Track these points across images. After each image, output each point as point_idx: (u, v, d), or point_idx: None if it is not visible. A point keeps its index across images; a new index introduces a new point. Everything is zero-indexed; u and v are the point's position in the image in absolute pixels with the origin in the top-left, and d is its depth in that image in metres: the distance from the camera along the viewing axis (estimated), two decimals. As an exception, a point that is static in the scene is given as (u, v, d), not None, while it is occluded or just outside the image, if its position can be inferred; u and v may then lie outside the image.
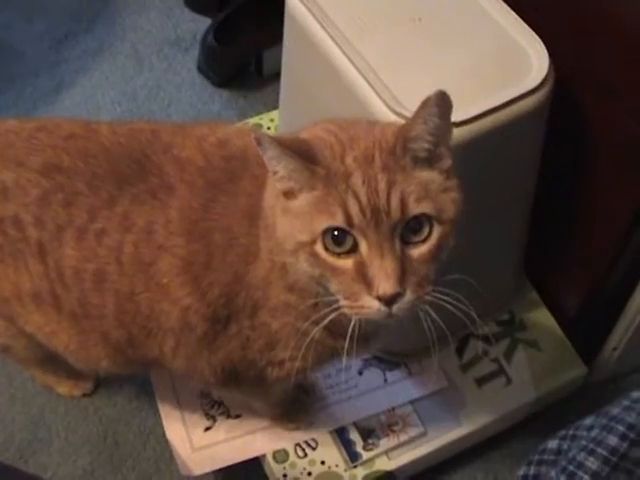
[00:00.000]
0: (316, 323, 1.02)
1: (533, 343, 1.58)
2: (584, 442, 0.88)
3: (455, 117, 1.16)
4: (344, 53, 1.27)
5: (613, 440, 0.86)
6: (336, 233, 0.92)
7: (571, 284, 1.55)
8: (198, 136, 1.15)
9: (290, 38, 1.44)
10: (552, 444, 0.95)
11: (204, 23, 2.10)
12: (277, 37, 1.52)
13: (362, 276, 0.92)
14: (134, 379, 1.54)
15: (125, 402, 1.60)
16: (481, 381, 1.54)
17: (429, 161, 0.95)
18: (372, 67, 1.25)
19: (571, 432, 0.94)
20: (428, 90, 1.21)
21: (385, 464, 1.45)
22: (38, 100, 2.02)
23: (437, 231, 0.95)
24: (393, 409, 1.50)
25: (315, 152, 0.94)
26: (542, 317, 1.60)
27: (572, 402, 1.58)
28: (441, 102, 0.93)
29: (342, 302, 0.95)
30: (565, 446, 0.93)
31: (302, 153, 0.93)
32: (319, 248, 0.93)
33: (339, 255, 0.93)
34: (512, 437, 1.57)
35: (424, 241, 0.94)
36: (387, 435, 1.47)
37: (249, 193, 1.08)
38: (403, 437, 1.47)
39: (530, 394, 1.52)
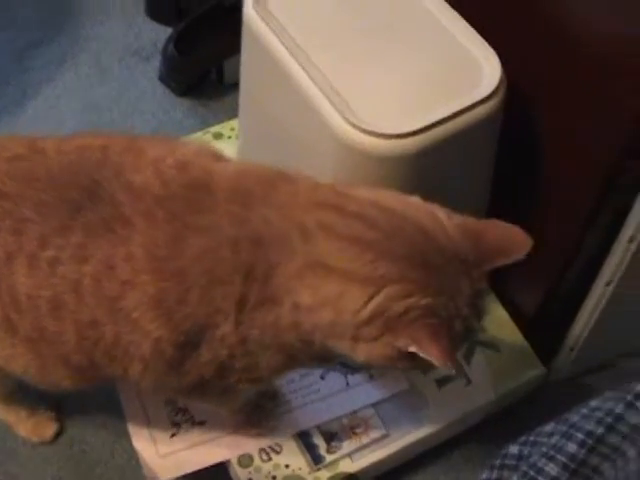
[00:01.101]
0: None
1: (492, 345, 1.61)
2: (544, 448, 0.91)
3: (407, 127, 1.21)
4: (300, 64, 1.29)
5: (572, 447, 0.89)
6: None
7: (528, 285, 1.58)
8: (153, 158, 1.13)
9: (247, 49, 1.47)
10: (513, 449, 0.97)
11: (165, 32, 2.12)
12: (237, 46, 1.53)
13: None
14: (101, 388, 1.56)
15: (92, 410, 1.61)
16: (441, 382, 1.56)
17: None
18: (327, 78, 1.28)
19: (532, 438, 0.96)
20: (382, 100, 1.25)
21: (348, 466, 1.47)
22: (1, 111, 2.02)
23: None
24: (355, 412, 1.52)
25: None
26: (500, 319, 1.63)
27: (532, 402, 1.61)
28: None
29: None
30: (526, 452, 0.95)
31: None
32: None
33: None
34: (473, 438, 1.60)
35: None
36: (350, 438, 1.49)
37: (234, 239, 1.07)
38: (365, 439, 1.49)
39: (489, 394, 1.55)
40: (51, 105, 2.06)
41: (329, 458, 1.48)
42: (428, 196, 1.18)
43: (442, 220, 1.07)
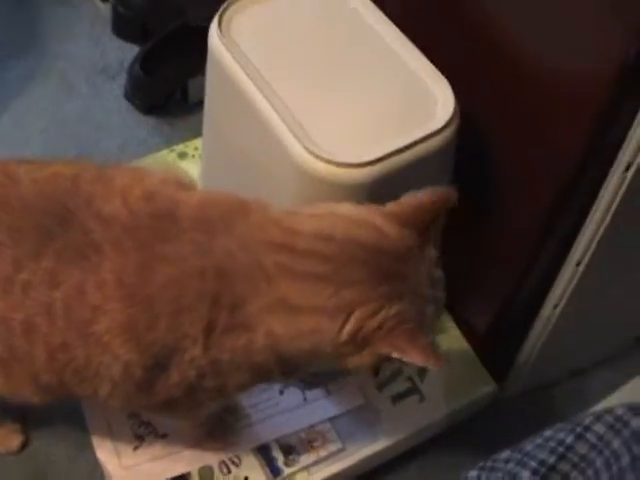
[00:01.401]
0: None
1: (445, 362, 1.66)
2: (500, 474, 0.97)
3: (364, 156, 1.26)
4: (262, 93, 1.34)
5: (526, 474, 0.94)
6: None
7: (480, 305, 1.64)
8: (121, 188, 1.16)
9: (212, 76, 1.51)
10: (472, 474, 1.02)
11: (131, 51, 2.16)
12: (202, 66, 1.57)
13: None
14: (66, 402, 1.59)
15: (57, 422, 1.64)
16: (396, 398, 1.62)
17: None
18: (289, 107, 1.32)
19: (489, 464, 1.02)
20: (340, 130, 1.30)
21: (306, 479, 1.52)
22: (-31, 129, 2.05)
23: None
24: (313, 426, 1.57)
25: None
26: (453, 337, 1.69)
27: (486, 416, 1.68)
28: None
29: None
30: (484, 477, 1.01)
31: None
32: None
33: None
34: (429, 451, 1.65)
35: None
36: (307, 451, 1.54)
37: (198, 269, 1.12)
38: (323, 452, 1.54)
39: (442, 410, 1.61)
40: (18, 121, 2.09)
41: (287, 471, 1.52)
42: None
43: (379, 224, 1.12)
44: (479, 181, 1.45)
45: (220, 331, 1.12)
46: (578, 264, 1.38)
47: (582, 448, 0.91)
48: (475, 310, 1.67)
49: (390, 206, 1.15)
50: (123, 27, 2.26)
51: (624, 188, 1.24)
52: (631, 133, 1.18)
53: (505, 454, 0.98)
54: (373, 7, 1.46)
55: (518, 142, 1.35)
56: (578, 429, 0.93)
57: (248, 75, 1.37)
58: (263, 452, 1.54)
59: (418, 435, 1.60)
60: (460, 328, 1.69)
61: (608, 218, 1.29)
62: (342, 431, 1.57)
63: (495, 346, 1.64)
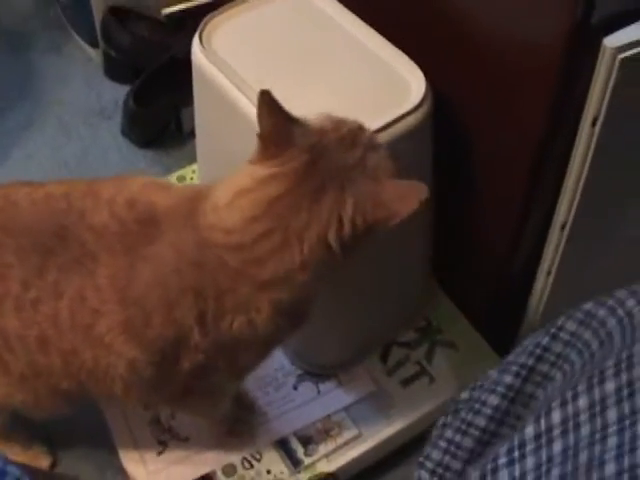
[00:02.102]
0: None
1: (450, 344, 1.72)
2: (487, 384, 1.02)
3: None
4: (246, 96, 1.39)
5: (508, 378, 1.00)
6: None
7: (477, 283, 1.69)
8: (106, 199, 1.23)
9: (198, 89, 1.58)
10: (465, 394, 1.08)
11: (124, 91, 2.23)
12: (192, 97, 1.64)
13: None
14: (89, 416, 1.65)
15: (82, 438, 1.69)
16: (406, 382, 1.68)
17: None
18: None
19: (479, 383, 1.07)
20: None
21: (326, 467, 1.57)
22: (-28, 175, 2.12)
23: None
24: (328, 416, 1.62)
25: None
26: (456, 319, 1.75)
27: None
28: None
29: None
30: (475, 394, 1.06)
31: None
32: None
33: None
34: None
35: None
36: (325, 440, 1.60)
37: (175, 266, 1.18)
38: (340, 440, 1.60)
39: (452, 390, 1.65)
40: (21, 167, 2.16)
41: (307, 461, 1.58)
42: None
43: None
44: (459, 159, 1.52)
45: (212, 318, 1.19)
46: (563, 227, 1.44)
47: (557, 347, 0.97)
48: (473, 289, 1.72)
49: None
50: (114, 69, 2.34)
51: (594, 143, 1.30)
52: (592, 88, 1.24)
53: (492, 370, 1.04)
54: (340, 7, 1.55)
55: (489, 114, 1.42)
56: (552, 330, 0.98)
57: (231, 81, 1.43)
58: (282, 445, 1.60)
59: (430, 415, 1.64)
60: (460, 308, 1.75)
61: (584, 175, 1.34)
62: (357, 418, 1.63)
63: (497, 322, 1.69)
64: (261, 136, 1.15)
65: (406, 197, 1.10)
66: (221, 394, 1.42)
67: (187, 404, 1.44)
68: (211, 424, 1.57)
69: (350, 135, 1.16)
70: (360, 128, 1.19)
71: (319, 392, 1.66)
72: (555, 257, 1.49)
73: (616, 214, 1.49)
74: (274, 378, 1.68)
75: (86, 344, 1.22)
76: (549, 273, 1.52)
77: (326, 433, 1.61)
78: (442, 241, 1.68)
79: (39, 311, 1.21)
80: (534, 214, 1.47)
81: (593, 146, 1.30)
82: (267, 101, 1.12)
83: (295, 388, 1.67)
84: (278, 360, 1.68)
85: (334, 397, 1.66)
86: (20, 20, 2.56)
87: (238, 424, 1.59)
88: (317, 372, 1.69)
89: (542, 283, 1.54)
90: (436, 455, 1.02)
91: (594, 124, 1.28)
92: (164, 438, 1.61)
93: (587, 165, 1.33)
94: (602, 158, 1.32)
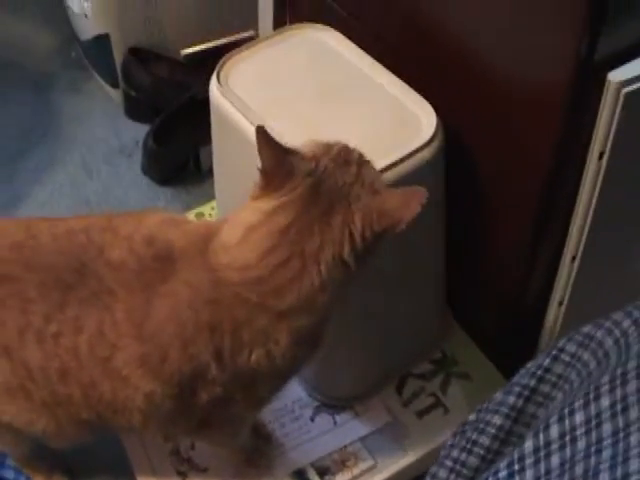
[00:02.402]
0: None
1: (465, 375, 1.75)
2: (491, 405, 1.05)
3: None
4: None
5: (512, 399, 1.03)
6: None
7: (490, 313, 1.72)
8: (125, 235, 1.26)
9: (216, 128, 1.62)
10: (472, 416, 1.10)
11: (144, 130, 2.28)
12: (210, 136, 1.68)
13: None
14: (109, 446, 1.67)
15: (102, 469, 1.71)
16: (421, 413, 1.70)
17: None
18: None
19: (485, 405, 1.10)
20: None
21: (342, 496, 1.60)
22: (-3, 212, 2.17)
23: None
24: (345, 447, 1.65)
25: None
26: (470, 351, 1.78)
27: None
28: None
29: None
30: (481, 415, 1.09)
31: None
32: None
33: None
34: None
35: None
36: (342, 470, 1.62)
37: (190, 302, 1.20)
38: (356, 471, 1.62)
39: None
40: (43, 203, 2.20)
41: (324, 491, 1.60)
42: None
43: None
44: (470, 193, 1.56)
45: (229, 353, 1.22)
46: (573, 259, 1.47)
47: (558, 368, 1.00)
48: (486, 321, 1.75)
49: None
50: (135, 109, 2.39)
51: (601, 176, 1.33)
52: (597, 123, 1.28)
53: (498, 392, 1.07)
54: (352, 45, 1.60)
55: (498, 149, 1.46)
56: (553, 352, 1.01)
57: (247, 118, 1.47)
58: (300, 476, 1.62)
59: (445, 447, 1.67)
60: (474, 339, 1.78)
61: (592, 207, 1.37)
62: (373, 448, 1.65)
63: (510, 353, 1.71)
64: (263, 170, 1.19)
65: (408, 203, 1.15)
66: (239, 424, 1.45)
67: (206, 435, 1.46)
68: (229, 454, 1.60)
69: (341, 155, 1.20)
70: (347, 147, 1.23)
71: (335, 423, 1.69)
72: (566, 288, 1.52)
73: (625, 245, 1.52)
74: (291, 410, 1.71)
75: (104, 377, 1.25)
76: (561, 303, 1.54)
77: (342, 464, 1.63)
78: (456, 273, 1.71)
79: (60, 344, 1.24)
80: (545, 246, 1.50)
81: (600, 179, 1.33)
82: (264, 136, 1.17)
83: (312, 419, 1.69)
84: (295, 392, 1.71)
85: (350, 428, 1.68)
86: (42, 60, 2.62)
87: (256, 455, 1.61)
88: (333, 404, 1.71)
89: (554, 313, 1.57)
90: (442, 474, 1.05)
91: (601, 158, 1.31)
92: (183, 469, 1.63)
93: (595, 198, 1.36)
94: (610, 191, 1.35)
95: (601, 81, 1.24)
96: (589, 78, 1.24)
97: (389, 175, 1.37)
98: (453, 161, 1.49)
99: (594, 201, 1.37)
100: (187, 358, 1.22)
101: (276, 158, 1.17)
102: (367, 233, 1.15)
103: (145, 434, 1.38)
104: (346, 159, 1.20)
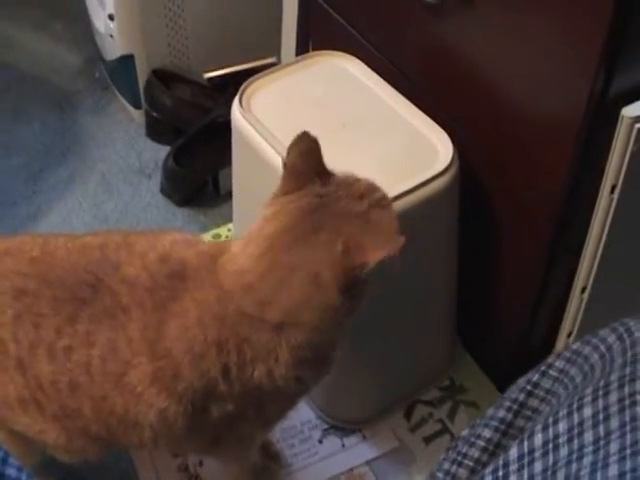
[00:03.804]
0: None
1: (473, 404, 1.77)
2: (483, 421, 1.08)
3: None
4: (282, 157, 1.47)
5: (502, 413, 1.04)
6: None
7: (499, 344, 1.74)
8: (140, 252, 1.28)
9: (237, 150, 1.65)
10: (464, 432, 1.12)
11: (164, 151, 2.31)
12: (230, 159, 1.72)
13: None
14: (119, 462, 1.70)
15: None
16: (428, 439, 1.72)
17: None
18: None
19: (478, 420, 1.12)
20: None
21: (348, 518, 1.62)
22: (17, 227, 2.20)
23: None
24: (351, 469, 1.67)
25: None
26: (478, 379, 1.80)
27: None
28: None
29: None
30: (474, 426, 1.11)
31: None
32: None
33: None
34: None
35: None
36: (347, 492, 1.64)
37: (199, 320, 1.22)
38: (362, 493, 1.64)
39: (473, 448, 1.70)
40: (64, 220, 2.23)
41: (330, 512, 1.62)
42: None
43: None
44: (481, 223, 1.58)
45: (235, 370, 1.23)
46: (583, 291, 1.49)
47: (546, 383, 1.02)
48: (495, 350, 1.77)
49: None
50: (156, 130, 2.42)
51: (612, 209, 1.35)
52: (610, 157, 1.30)
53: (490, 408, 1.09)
54: (372, 74, 1.63)
55: (512, 180, 1.48)
56: (542, 367, 1.04)
57: (268, 142, 1.50)
58: (306, 496, 1.64)
59: (451, 473, 1.69)
60: (483, 368, 1.80)
61: (603, 240, 1.40)
62: (379, 472, 1.67)
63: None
64: (287, 165, 1.22)
65: (380, 246, 1.15)
66: (249, 443, 1.46)
67: (215, 452, 1.48)
68: (238, 473, 1.61)
69: (361, 190, 1.22)
70: (372, 185, 1.24)
71: (343, 446, 1.71)
72: (576, 319, 1.53)
73: (635, 276, 1.54)
74: (300, 431, 1.73)
75: (116, 392, 1.26)
76: (570, 334, 1.56)
77: (349, 485, 1.65)
78: (465, 303, 1.73)
79: (70, 358, 1.26)
80: (555, 278, 1.52)
81: (612, 212, 1.35)
82: (311, 141, 1.21)
83: (320, 441, 1.71)
84: (305, 413, 1.74)
85: (358, 451, 1.70)
86: (66, 79, 2.66)
87: (264, 474, 1.63)
88: (342, 426, 1.73)
89: (563, 344, 1.58)
90: None
91: (612, 191, 1.33)
92: (192, 486, 1.65)
93: (606, 231, 1.38)
94: (620, 224, 1.37)
95: (615, 116, 1.26)
96: (603, 113, 1.27)
97: (405, 202, 1.40)
98: (467, 190, 1.52)
99: (605, 233, 1.39)
100: (198, 375, 1.23)
101: (307, 162, 1.21)
102: (346, 264, 1.15)
103: (155, 451, 1.39)
104: (362, 194, 1.21)
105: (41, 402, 1.31)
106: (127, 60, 2.33)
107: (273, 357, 1.22)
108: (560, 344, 1.59)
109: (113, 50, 2.36)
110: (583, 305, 1.51)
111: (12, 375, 1.29)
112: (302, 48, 1.95)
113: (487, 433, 1.04)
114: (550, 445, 0.89)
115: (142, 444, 1.34)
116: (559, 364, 1.03)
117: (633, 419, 0.84)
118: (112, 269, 1.27)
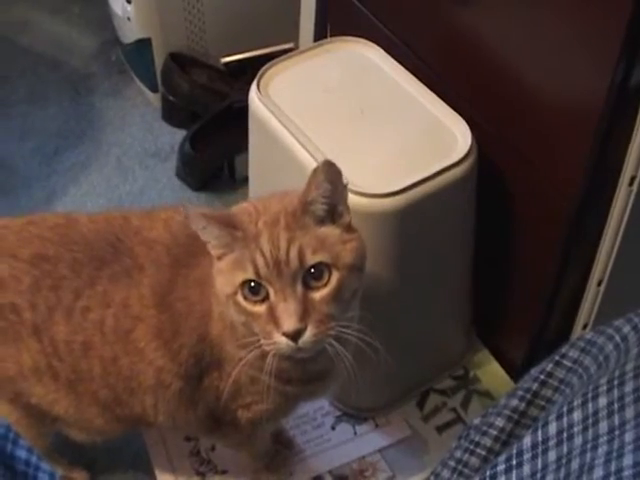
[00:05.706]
0: (261, 370, 1.21)
1: (486, 393, 1.76)
2: (495, 409, 1.07)
3: (391, 187, 1.39)
4: (298, 141, 1.46)
5: (514, 402, 1.03)
6: (252, 284, 1.12)
7: (515, 336, 1.73)
8: (164, 218, 1.33)
9: (254, 135, 1.65)
10: (476, 421, 1.12)
11: (180, 135, 2.31)
12: (246, 144, 1.71)
13: (272, 318, 1.12)
14: (131, 445, 1.70)
15: (123, 467, 1.72)
16: (441, 429, 1.72)
17: (331, 218, 1.16)
18: (323, 151, 1.44)
19: (490, 409, 1.12)
20: (373, 169, 1.43)
21: (358, 506, 1.62)
22: (32, 209, 2.18)
23: (336, 276, 1.13)
24: (363, 457, 1.67)
25: (235, 220, 1.15)
26: (493, 370, 1.79)
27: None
28: (328, 170, 1.13)
29: (262, 341, 1.15)
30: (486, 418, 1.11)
31: (224, 221, 1.14)
32: (239, 298, 1.14)
33: (255, 302, 1.13)
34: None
35: (325, 285, 1.13)
36: (359, 480, 1.64)
37: (203, 265, 1.26)
38: (373, 481, 1.64)
39: (486, 438, 1.69)
40: (78, 203, 2.23)
41: (341, 499, 1.61)
42: (414, 252, 1.36)
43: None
44: (499, 214, 1.58)
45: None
46: (599, 283, 1.48)
47: (560, 373, 1.02)
48: (510, 340, 1.76)
49: None
50: (172, 114, 2.42)
51: (631, 201, 1.34)
52: (630, 148, 1.29)
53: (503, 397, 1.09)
54: (392, 60, 1.63)
55: (530, 169, 1.47)
56: (556, 357, 1.03)
57: (284, 126, 1.50)
58: (318, 483, 1.64)
59: (464, 462, 1.68)
60: (497, 358, 1.79)
61: (620, 233, 1.39)
62: (391, 461, 1.67)
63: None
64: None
65: None
66: (254, 429, 1.45)
67: (219, 435, 1.49)
68: (250, 458, 1.61)
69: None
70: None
71: (356, 433, 1.71)
72: (592, 311, 1.53)
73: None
74: (313, 417, 1.73)
75: (124, 351, 1.30)
76: (585, 326, 1.55)
77: (360, 473, 1.65)
78: (481, 292, 1.72)
79: (87, 319, 1.30)
80: (572, 269, 1.51)
81: (630, 204, 1.34)
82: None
83: (333, 428, 1.71)
84: (318, 401, 1.73)
85: (370, 439, 1.70)
86: (83, 62, 2.66)
87: (276, 460, 1.64)
88: (355, 414, 1.73)
89: (579, 335, 1.57)
90: (445, 473, 1.08)
91: (632, 183, 1.32)
92: (203, 470, 1.65)
93: (624, 223, 1.37)
94: (639, 216, 1.36)
95: (635, 107, 1.25)
96: (623, 103, 1.26)
97: (422, 190, 1.40)
98: (485, 179, 1.51)
99: (623, 225, 1.38)
100: (195, 338, 1.28)
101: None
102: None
103: (157, 422, 1.39)
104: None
105: (55, 367, 1.34)
106: (144, 43, 2.33)
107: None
108: (575, 336, 1.58)
109: (130, 33, 2.36)
110: (599, 298, 1.50)
111: (27, 343, 1.32)
112: (320, 34, 1.94)
113: (500, 422, 1.03)
114: (564, 434, 0.88)
115: (145, 413, 1.37)
116: (573, 354, 1.02)
117: None
118: (134, 233, 1.32)
